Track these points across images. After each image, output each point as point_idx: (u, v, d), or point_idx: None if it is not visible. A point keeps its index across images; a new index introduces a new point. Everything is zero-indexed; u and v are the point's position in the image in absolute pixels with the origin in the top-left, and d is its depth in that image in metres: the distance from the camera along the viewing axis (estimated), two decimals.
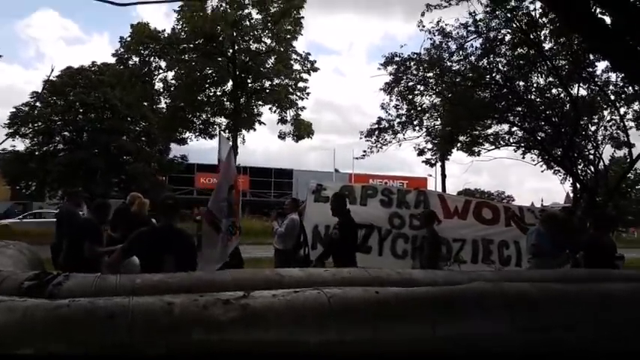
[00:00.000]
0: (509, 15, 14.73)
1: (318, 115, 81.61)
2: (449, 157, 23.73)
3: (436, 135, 19.59)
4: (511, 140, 18.74)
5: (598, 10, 6.33)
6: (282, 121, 28.74)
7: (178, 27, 27.08)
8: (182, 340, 2.11)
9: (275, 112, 28.57)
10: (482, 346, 2.47)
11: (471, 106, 16.47)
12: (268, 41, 27.76)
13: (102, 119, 26.49)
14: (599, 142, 16.93)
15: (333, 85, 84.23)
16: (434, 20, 15.99)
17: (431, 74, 17.01)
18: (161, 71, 28.24)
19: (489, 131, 19.29)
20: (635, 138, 17.96)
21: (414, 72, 16.99)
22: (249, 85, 28.59)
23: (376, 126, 18.51)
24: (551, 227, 6.34)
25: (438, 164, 25.71)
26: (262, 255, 11.27)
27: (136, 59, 27.75)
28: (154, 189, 22.40)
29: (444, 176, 29.90)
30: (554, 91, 16.37)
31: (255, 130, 29.61)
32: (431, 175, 38.04)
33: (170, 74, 28.16)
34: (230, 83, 28.14)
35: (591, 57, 14.39)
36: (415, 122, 18.42)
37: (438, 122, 19.25)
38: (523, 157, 18.98)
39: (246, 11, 26.96)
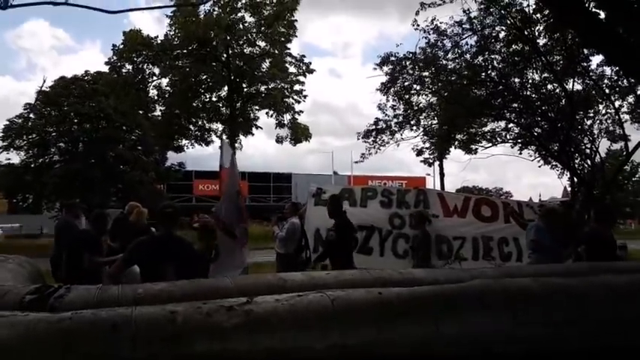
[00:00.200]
0: (503, 12, 14.76)
1: (314, 118, 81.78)
2: (447, 155, 23.78)
3: (433, 134, 19.62)
4: (508, 137, 18.78)
5: (592, 4, 6.36)
6: (280, 124, 28.73)
7: (171, 33, 27.07)
8: (186, 348, 2.10)
9: (272, 116, 28.57)
10: (484, 342, 2.46)
11: (467, 104, 16.49)
12: (262, 44, 27.76)
13: (97, 129, 26.41)
14: (595, 136, 16.99)
15: (329, 87, 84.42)
16: (428, 19, 16.03)
17: (427, 73, 17.02)
18: (155, 78, 28.23)
19: (486, 128, 19.33)
20: (631, 131, 17.95)
21: (410, 71, 17.00)
22: (245, 89, 28.56)
23: (373, 127, 18.53)
24: (551, 222, 6.35)
25: (436, 163, 25.72)
26: (263, 259, 11.28)
27: (129, 67, 27.72)
28: (152, 198, 22.30)
29: (442, 175, 29.95)
30: (549, 86, 16.39)
31: (252, 134, 29.61)
32: (429, 174, 38.03)
33: (164, 81, 28.16)
34: (225, 88, 28.11)
35: (585, 51, 14.43)
36: (412, 122, 18.43)
37: (435, 121, 19.27)
38: (520, 153, 19.04)
39: (239, 15, 26.95)
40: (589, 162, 16.98)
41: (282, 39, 27.45)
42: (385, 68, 16.97)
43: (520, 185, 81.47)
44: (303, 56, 28.86)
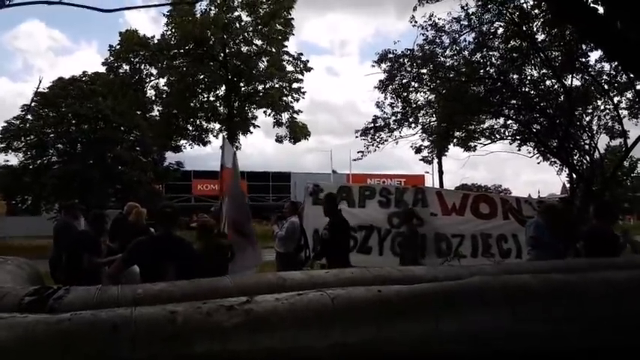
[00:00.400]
0: (501, 7, 14.77)
1: (313, 117, 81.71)
2: (445, 153, 23.78)
3: (432, 132, 19.62)
4: (506, 133, 18.76)
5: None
6: (278, 123, 28.71)
7: (168, 33, 27.04)
8: (186, 348, 2.10)
9: (270, 115, 28.54)
10: (484, 339, 2.46)
11: (466, 101, 16.48)
12: (259, 43, 27.73)
13: (95, 130, 26.37)
14: (594, 132, 16.99)
15: (327, 85, 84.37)
16: (426, 14, 16.04)
17: (425, 70, 17.02)
18: (152, 78, 28.19)
19: (484, 125, 19.34)
20: (629, 126, 17.98)
21: (408, 69, 17.00)
22: (242, 88, 28.53)
23: (372, 125, 18.53)
24: (550, 218, 6.36)
25: (435, 161, 25.72)
26: (263, 258, 11.24)
27: (126, 67, 27.68)
28: (150, 198, 22.28)
29: (441, 172, 29.94)
30: (547, 82, 16.39)
31: (251, 133, 29.57)
32: (428, 172, 38.05)
33: (162, 81, 28.12)
34: (223, 88, 28.09)
35: (584, 47, 14.44)
36: (411, 119, 18.43)
37: (434, 119, 19.27)
38: (519, 150, 19.03)
39: (236, 14, 26.94)
40: (588, 158, 16.99)
41: (279, 37, 27.43)
42: (383, 65, 16.97)
43: (519, 182, 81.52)
44: (301, 54, 28.87)
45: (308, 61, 28.73)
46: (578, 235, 6.06)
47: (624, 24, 5.34)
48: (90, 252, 5.33)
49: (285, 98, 28.49)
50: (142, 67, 27.72)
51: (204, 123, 29.34)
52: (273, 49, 27.52)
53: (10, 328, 2.02)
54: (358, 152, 19.33)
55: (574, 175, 17.34)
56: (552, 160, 18.43)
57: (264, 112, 28.53)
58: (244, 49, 27.79)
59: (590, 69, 15.36)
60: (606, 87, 15.63)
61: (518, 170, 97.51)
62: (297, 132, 28.94)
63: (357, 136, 18.91)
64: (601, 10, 5.93)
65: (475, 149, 20.04)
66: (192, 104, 28.05)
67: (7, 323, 2.04)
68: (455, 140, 20.35)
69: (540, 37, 15.05)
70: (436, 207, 8.25)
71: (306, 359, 2.23)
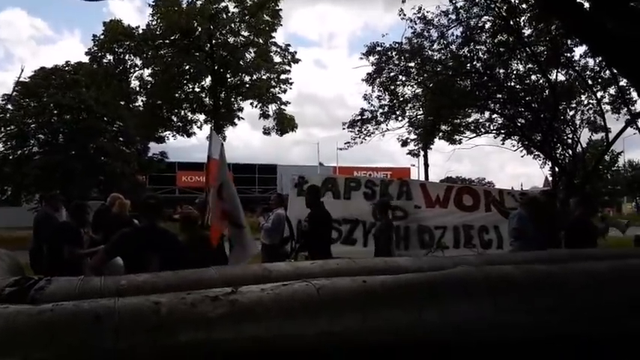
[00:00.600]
0: (489, 1, 14.84)
1: (300, 109, 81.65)
2: (431, 146, 23.92)
3: (418, 125, 19.71)
4: (491, 127, 18.96)
5: None
6: (264, 115, 28.55)
7: (153, 23, 26.68)
8: (171, 339, 2.08)
9: (256, 106, 28.37)
10: (466, 329, 2.49)
11: (453, 95, 16.60)
12: (246, 34, 27.50)
13: (78, 120, 25.97)
14: (577, 126, 17.23)
15: (315, 77, 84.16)
16: (415, 7, 16.07)
17: (412, 64, 17.07)
18: (137, 69, 27.83)
19: (470, 119, 19.50)
20: (611, 121, 18.21)
21: (396, 62, 17.03)
22: (229, 79, 28.30)
23: (359, 117, 18.55)
24: (533, 211, 6.44)
25: (421, 154, 25.86)
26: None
27: (110, 57, 27.27)
28: (134, 189, 22.08)
29: (426, 165, 30.18)
30: (533, 77, 16.56)
31: (235, 125, 29.40)
32: (414, 165, 38.33)
33: (146, 71, 27.77)
34: (209, 79, 27.84)
35: (569, 42, 14.60)
36: (398, 112, 18.49)
37: (420, 112, 19.36)
38: (503, 144, 19.25)
39: (223, 4, 26.68)
40: (570, 152, 17.23)
41: (267, 28, 27.24)
42: (371, 58, 17.01)
43: (503, 175, 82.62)
44: (288, 45, 28.71)
45: (296, 52, 28.62)
46: (560, 227, 6.17)
47: (610, 19, 5.40)
48: (70, 243, 5.27)
49: (272, 90, 28.35)
50: (127, 57, 27.34)
51: (189, 114, 29.09)
52: (261, 41, 27.34)
53: None
54: (345, 143, 19.41)
55: (556, 169, 17.58)
56: (536, 153, 18.67)
57: (251, 103, 28.38)
58: (231, 39, 27.56)
59: (574, 64, 15.54)
60: (590, 82, 15.83)
61: (502, 163, 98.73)
62: (285, 124, 28.85)
63: (344, 128, 18.98)
64: (587, 5, 5.99)
65: (460, 142, 20.24)
66: (177, 95, 27.78)
67: None
68: (440, 134, 20.48)
69: (527, 31, 15.19)
70: (420, 200, 8.33)
71: (291, 347, 2.23)
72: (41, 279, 2.54)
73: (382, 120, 18.32)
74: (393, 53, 16.79)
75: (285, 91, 28.66)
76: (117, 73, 26.92)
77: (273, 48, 28.12)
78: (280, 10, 27.07)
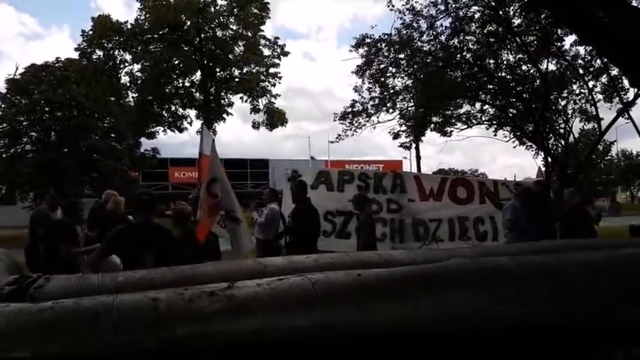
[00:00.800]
0: None
1: (290, 103, 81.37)
2: (422, 138, 23.98)
3: (409, 117, 19.73)
4: (483, 118, 19.02)
5: None
6: (255, 110, 28.42)
7: (141, 17, 26.41)
8: (169, 335, 2.11)
9: (246, 101, 28.22)
10: (462, 321, 2.52)
11: (443, 86, 16.60)
12: (235, 27, 27.31)
13: (69, 117, 25.79)
14: (569, 116, 17.31)
15: (304, 71, 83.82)
16: None
17: (402, 55, 17.05)
18: (127, 64, 27.55)
19: (461, 110, 19.54)
20: (604, 110, 18.36)
21: (386, 54, 17.01)
22: (218, 73, 28.12)
23: (350, 109, 18.54)
24: (527, 201, 6.49)
25: (413, 146, 25.90)
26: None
27: (99, 53, 26.98)
28: (127, 186, 22.02)
29: (418, 158, 30.16)
30: (524, 67, 16.61)
31: (224, 120, 29.20)
32: (406, 158, 38.40)
33: (136, 67, 27.49)
34: (198, 73, 27.64)
35: (559, 31, 14.62)
36: (388, 104, 18.50)
37: (411, 104, 19.37)
38: (495, 135, 19.32)
39: None
40: (563, 142, 17.33)
41: (255, 21, 27.04)
42: (361, 50, 16.97)
43: (495, 166, 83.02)
44: (277, 38, 28.52)
45: (285, 45, 28.45)
46: (554, 218, 6.24)
47: (600, 8, 5.43)
48: (66, 241, 5.27)
49: (262, 84, 28.20)
50: (116, 52, 27.06)
51: (179, 109, 28.87)
52: (250, 34, 27.14)
53: None
54: (337, 137, 19.41)
55: (549, 159, 17.68)
56: (528, 144, 18.76)
57: (241, 98, 28.22)
58: (220, 33, 27.31)
59: (565, 53, 15.59)
60: (581, 71, 15.89)
61: (494, 154, 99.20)
62: (275, 118, 28.70)
63: (335, 120, 18.97)
64: None
65: (452, 134, 20.29)
66: (167, 90, 27.52)
67: None
68: (432, 125, 20.51)
69: (516, 21, 15.20)
70: (414, 193, 8.35)
71: (288, 339, 2.26)
72: (40, 277, 2.55)
73: (373, 112, 18.34)
74: (383, 45, 16.76)
75: (274, 85, 28.51)
76: (107, 69, 26.61)
77: (262, 41, 27.95)
78: (268, 2, 26.92)
